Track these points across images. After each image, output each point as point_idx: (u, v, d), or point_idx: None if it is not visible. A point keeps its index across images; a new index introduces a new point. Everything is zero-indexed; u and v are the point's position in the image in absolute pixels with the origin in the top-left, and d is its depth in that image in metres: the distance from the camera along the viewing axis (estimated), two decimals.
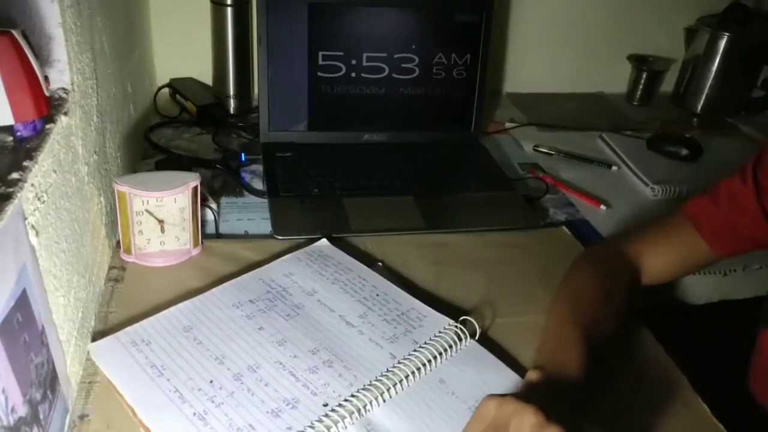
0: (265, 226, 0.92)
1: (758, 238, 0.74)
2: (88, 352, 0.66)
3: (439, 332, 0.71)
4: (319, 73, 1.08)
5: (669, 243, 0.79)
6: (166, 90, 1.24)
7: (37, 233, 0.54)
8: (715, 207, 0.76)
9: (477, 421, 0.55)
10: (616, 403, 0.69)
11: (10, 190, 0.50)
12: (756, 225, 0.72)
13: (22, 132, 0.57)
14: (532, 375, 0.62)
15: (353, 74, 1.10)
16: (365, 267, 0.81)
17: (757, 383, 0.84)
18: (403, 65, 1.11)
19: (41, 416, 0.53)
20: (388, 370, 0.65)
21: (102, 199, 0.78)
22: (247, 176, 1.03)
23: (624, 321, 0.73)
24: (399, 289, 0.78)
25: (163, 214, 0.79)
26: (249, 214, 0.94)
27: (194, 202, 0.80)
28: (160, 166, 1.00)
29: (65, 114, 0.63)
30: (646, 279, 0.79)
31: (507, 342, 0.74)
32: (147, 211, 0.78)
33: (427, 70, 1.12)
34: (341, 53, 1.08)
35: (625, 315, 0.74)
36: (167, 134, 1.14)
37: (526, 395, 0.56)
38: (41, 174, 0.56)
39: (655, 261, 0.79)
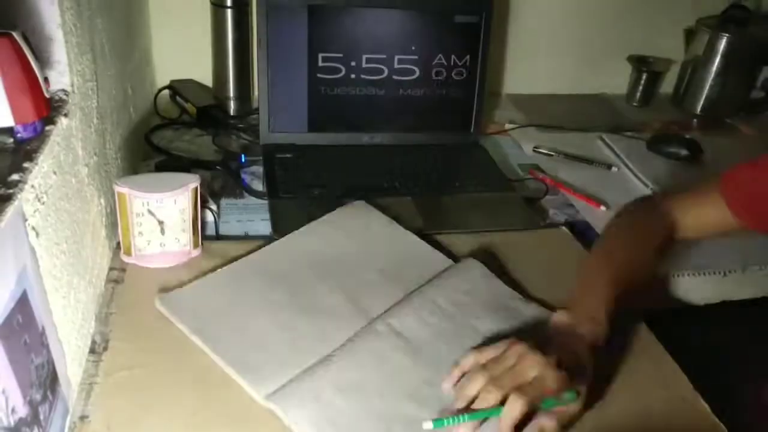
0: (265, 228, 0.92)
1: None
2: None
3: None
4: (319, 75, 1.08)
5: (699, 208, 0.83)
6: (166, 92, 1.25)
7: (37, 234, 0.54)
8: (749, 176, 0.78)
9: (497, 350, 0.64)
10: (617, 403, 0.69)
11: (11, 191, 0.50)
12: None
13: (22, 133, 0.57)
14: (558, 317, 0.70)
15: (353, 76, 1.10)
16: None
17: None
18: (402, 67, 1.11)
19: (41, 417, 0.53)
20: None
21: (102, 200, 0.78)
22: (247, 177, 1.04)
23: (622, 317, 0.74)
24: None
25: (163, 215, 0.79)
26: (249, 216, 0.94)
27: (194, 204, 0.80)
28: (160, 168, 1.00)
29: (65, 115, 0.63)
30: (682, 233, 0.84)
31: None
32: (147, 212, 0.78)
33: (427, 71, 1.12)
34: (341, 55, 1.08)
35: (660, 262, 0.83)
36: (167, 136, 1.14)
37: (547, 338, 0.66)
38: (41, 175, 0.56)
39: (690, 223, 0.84)
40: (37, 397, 0.52)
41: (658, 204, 0.86)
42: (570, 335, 0.67)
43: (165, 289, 0.76)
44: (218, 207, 0.94)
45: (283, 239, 0.86)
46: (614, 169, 1.17)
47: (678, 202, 0.85)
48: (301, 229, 0.88)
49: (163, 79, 1.27)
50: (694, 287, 0.92)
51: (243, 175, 1.04)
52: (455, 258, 0.86)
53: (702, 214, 0.83)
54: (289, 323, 0.73)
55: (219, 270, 0.79)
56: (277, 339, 0.71)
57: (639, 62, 1.45)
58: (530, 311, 0.77)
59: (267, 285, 0.78)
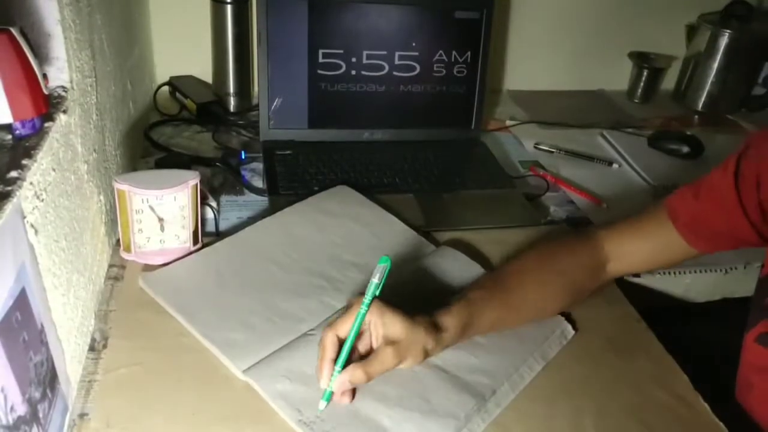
0: None
1: (736, 233, 0.71)
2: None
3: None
4: (319, 71, 1.08)
5: (644, 234, 0.77)
6: (165, 88, 1.24)
7: (36, 232, 0.54)
8: (694, 199, 0.73)
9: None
10: (617, 403, 0.69)
11: (9, 188, 0.50)
12: (733, 219, 0.70)
13: (21, 130, 0.57)
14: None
15: (353, 72, 1.10)
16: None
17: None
18: (403, 63, 1.11)
19: (40, 415, 0.53)
20: None
21: (101, 197, 0.78)
22: (247, 174, 1.03)
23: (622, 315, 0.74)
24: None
25: (163, 212, 0.79)
26: (249, 212, 0.94)
27: (194, 201, 0.80)
28: (159, 164, 1.00)
29: (64, 112, 0.63)
30: (615, 267, 0.78)
31: None
32: (147, 209, 0.78)
33: (428, 67, 1.12)
34: (341, 51, 1.08)
35: (584, 295, 0.78)
36: (167, 132, 1.13)
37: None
38: (40, 172, 0.55)
39: (627, 251, 0.78)
40: (36, 395, 0.52)
41: (592, 236, 0.80)
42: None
43: (149, 268, 0.78)
44: (218, 204, 0.94)
45: (265, 220, 0.88)
46: (615, 165, 1.17)
47: (613, 233, 0.79)
48: (284, 210, 0.90)
49: (162, 75, 1.26)
50: (695, 285, 0.92)
51: (243, 172, 1.03)
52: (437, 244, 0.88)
53: (645, 246, 0.77)
54: (270, 302, 0.75)
55: (202, 250, 0.82)
56: (257, 317, 0.72)
57: (640, 58, 1.44)
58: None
59: (249, 264, 0.80)
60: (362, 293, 0.64)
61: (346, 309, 0.65)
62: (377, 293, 0.64)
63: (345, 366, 0.63)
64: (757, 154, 0.68)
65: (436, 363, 0.69)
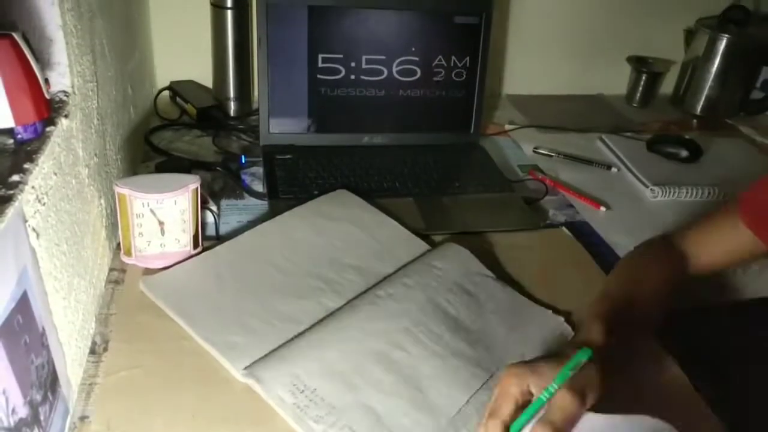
0: None
1: None
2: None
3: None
4: (319, 76, 1.09)
5: (716, 234, 0.78)
6: (166, 92, 1.25)
7: (37, 235, 0.54)
8: (763, 194, 0.73)
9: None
10: (617, 403, 0.69)
11: (11, 192, 0.50)
12: None
13: (23, 134, 0.57)
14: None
15: (353, 76, 1.10)
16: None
17: None
18: (402, 67, 1.11)
19: (42, 418, 0.53)
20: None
21: (102, 201, 0.78)
22: (247, 178, 1.04)
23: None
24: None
25: (164, 216, 0.79)
26: (249, 216, 0.94)
27: (194, 204, 0.80)
28: (160, 169, 1.00)
29: (66, 116, 0.63)
30: (695, 269, 0.79)
31: None
32: (148, 213, 0.78)
33: (427, 72, 1.13)
34: (341, 56, 1.09)
35: (672, 298, 0.76)
36: (167, 137, 1.14)
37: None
38: (42, 176, 0.56)
39: (703, 252, 0.79)
40: (38, 397, 0.52)
41: (669, 241, 0.81)
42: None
43: (149, 272, 0.78)
44: (218, 208, 0.94)
45: (265, 224, 0.88)
46: (614, 169, 1.17)
47: (691, 236, 0.80)
48: (284, 214, 0.90)
49: (163, 79, 1.27)
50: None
51: (243, 176, 1.04)
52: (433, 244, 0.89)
53: (719, 243, 0.78)
54: (270, 305, 0.75)
55: (202, 254, 0.82)
56: (257, 320, 0.73)
57: (639, 63, 1.45)
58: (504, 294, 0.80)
59: (249, 268, 0.80)
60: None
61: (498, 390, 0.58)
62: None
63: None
64: None
65: (436, 350, 0.70)
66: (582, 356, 0.57)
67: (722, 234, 0.78)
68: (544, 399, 0.55)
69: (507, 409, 0.56)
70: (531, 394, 0.57)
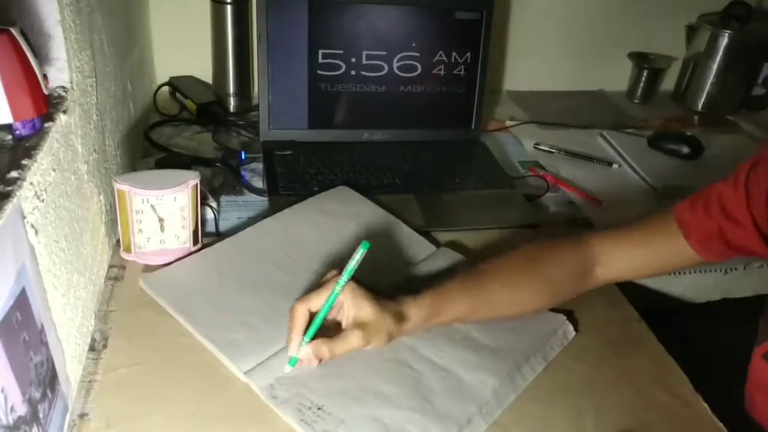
0: None
1: (748, 247, 0.71)
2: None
3: None
4: (319, 71, 1.08)
5: (649, 243, 0.76)
6: (165, 88, 1.24)
7: (36, 232, 0.54)
8: (706, 216, 0.72)
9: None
10: (617, 403, 0.69)
11: (9, 188, 0.50)
12: (747, 235, 0.69)
13: (21, 130, 0.57)
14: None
15: (353, 72, 1.10)
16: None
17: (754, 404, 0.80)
18: (403, 63, 1.11)
19: (41, 415, 0.53)
20: None
21: (102, 197, 0.78)
22: (247, 174, 1.03)
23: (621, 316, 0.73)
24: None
25: (163, 212, 0.79)
26: (249, 213, 0.94)
27: (194, 201, 0.80)
28: (159, 165, 1.00)
29: (64, 112, 0.63)
30: (605, 273, 0.77)
31: None
32: (147, 209, 0.78)
33: (428, 68, 1.12)
34: (341, 51, 1.08)
35: (565, 299, 0.77)
36: (167, 132, 1.13)
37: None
38: (40, 172, 0.55)
39: (624, 256, 0.76)
40: (37, 395, 0.52)
41: (585, 240, 0.77)
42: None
43: (149, 269, 0.78)
44: (218, 204, 0.94)
45: (265, 220, 0.88)
46: (615, 166, 1.17)
47: (607, 239, 0.77)
48: (284, 211, 0.90)
49: (162, 75, 1.26)
50: (695, 285, 0.92)
51: (243, 172, 1.03)
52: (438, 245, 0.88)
53: (658, 245, 0.75)
54: (271, 302, 0.75)
55: (202, 250, 0.82)
56: (257, 317, 0.73)
57: (640, 59, 1.44)
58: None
59: (249, 265, 0.80)
60: (340, 269, 0.66)
61: (321, 283, 0.68)
62: (352, 275, 0.66)
63: (313, 338, 0.65)
64: (766, 170, 0.68)
65: (438, 362, 0.69)
66: (363, 248, 0.66)
67: (654, 248, 0.76)
68: (338, 291, 0.65)
69: (318, 300, 0.66)
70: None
